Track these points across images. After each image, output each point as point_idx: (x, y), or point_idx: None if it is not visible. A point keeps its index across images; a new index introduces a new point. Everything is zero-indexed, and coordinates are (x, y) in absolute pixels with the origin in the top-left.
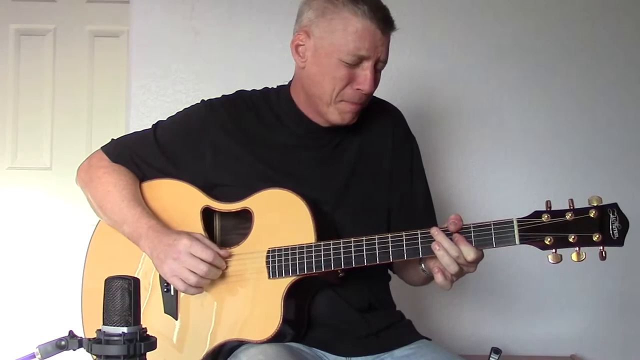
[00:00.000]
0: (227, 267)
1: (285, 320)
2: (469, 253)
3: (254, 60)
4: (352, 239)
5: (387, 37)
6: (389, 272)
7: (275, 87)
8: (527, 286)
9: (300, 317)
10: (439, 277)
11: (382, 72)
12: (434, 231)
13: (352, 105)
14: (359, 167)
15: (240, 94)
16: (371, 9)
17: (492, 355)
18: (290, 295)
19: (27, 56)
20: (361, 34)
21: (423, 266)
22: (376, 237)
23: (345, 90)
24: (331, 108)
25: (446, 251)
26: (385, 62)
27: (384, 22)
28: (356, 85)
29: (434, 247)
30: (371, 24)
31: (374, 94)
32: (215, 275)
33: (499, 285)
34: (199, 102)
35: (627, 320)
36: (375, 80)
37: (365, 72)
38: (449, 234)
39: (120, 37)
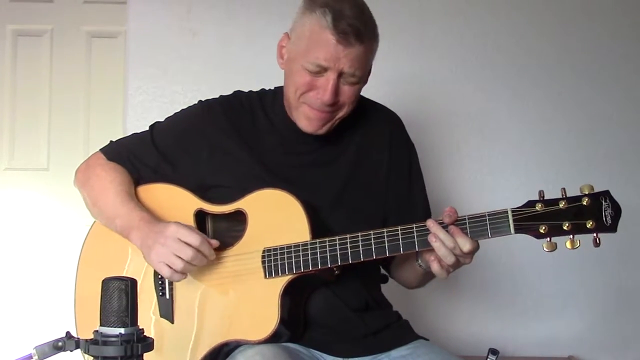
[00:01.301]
0: (222, 267)
1: (283, 319)
2: (465, 244)
3: (252, 61)
4: (348, 235)
5: (355, 50)
6: (383, 272)
7: (272, 88)
8: (524, 287)
9: (297, 317)
10: (435, 266)
11: (379, 73)
12: (430, 223)
13: (314, 111)
14: (355, 171)
15: (237, 95)
16: (335, 18)
17: (489, 356)
18: (287, 294)
19: (24, 57)
20: (321, 44)
21: (420, 261)
22: (372, 232)
23: (308, 94)
24: (297, 112)
25: (442, 242)
26: (354, 75)
27: (347, 35)
28: (316, 94)
29: (431, 239)
30: (331, 36)
31: (373, 100)
32: (202, 262)
33: (496, 286)
34: (196, 102)
35: (624, 321)
36: (340, 92)
37: (326, 81)
38: (444, 226)
39: (118, 38)
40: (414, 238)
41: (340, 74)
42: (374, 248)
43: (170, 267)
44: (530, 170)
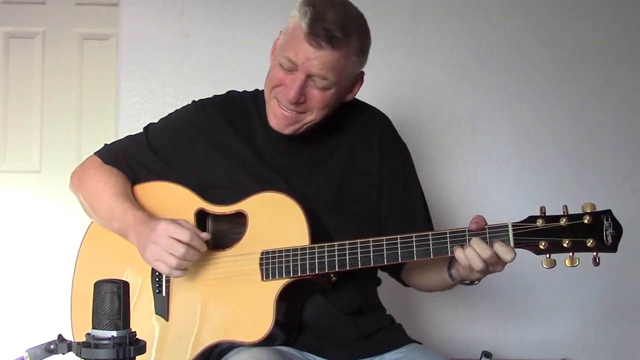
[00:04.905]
0: (220, 268)
1: (277, 322)
2: (508, 254)
3: (244, 63)
4: (347, 242)
5: (326, 54)
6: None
7: None
8: (518, 290)
9: (291, 321)
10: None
11: (372, 74)
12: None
13: (280, 109)
14: (345, 173)
15: (231, 94)
16: (313, 20)
17: (482, 359)
18: (283, 297)
19: (16, 59)
20: (295, 42)
21: (452, 271)
22: (370, 240)
23: (278, 89)
24: (268, 106)
25: (478, 254)
26: (325, 79)
27: (318, 38)
28: (283, 89)
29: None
30: (305, 36)
31: (366, 101)
32: (194, 256)
33: (490, 290)
34: (189, 103)
35: (617, 324)
36: (308, 95)
37: (294, 79)
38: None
39: (110, 40)
40: (413, 248)
41: (308, 75)
42: (373, 256)
43: (166, 265)
44: (524, 171)
